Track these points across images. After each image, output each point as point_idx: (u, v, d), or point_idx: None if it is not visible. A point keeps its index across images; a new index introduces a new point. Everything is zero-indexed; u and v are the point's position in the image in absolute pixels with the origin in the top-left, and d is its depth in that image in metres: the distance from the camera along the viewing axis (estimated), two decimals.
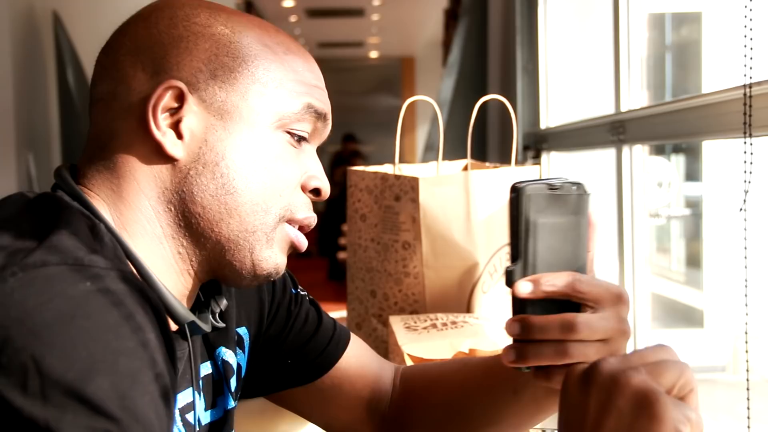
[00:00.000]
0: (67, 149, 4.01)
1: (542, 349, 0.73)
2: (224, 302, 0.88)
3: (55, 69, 4.00)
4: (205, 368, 0.88)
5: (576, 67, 2.67)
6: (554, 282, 0.73)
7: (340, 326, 1.04)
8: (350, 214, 1.62)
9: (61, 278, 0.63)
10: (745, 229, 1.25)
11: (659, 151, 3.66)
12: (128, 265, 0.72)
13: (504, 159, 2.19)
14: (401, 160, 1.61)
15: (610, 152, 2.14)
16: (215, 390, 0.89)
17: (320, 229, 7.52)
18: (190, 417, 0.82)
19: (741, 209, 1.23)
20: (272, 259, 0.82)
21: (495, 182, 1.58)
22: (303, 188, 0.84)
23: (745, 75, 1.22)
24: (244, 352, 0.95)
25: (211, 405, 0.88)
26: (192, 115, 0.78)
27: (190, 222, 0.79)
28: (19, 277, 0.63)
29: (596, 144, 2.27)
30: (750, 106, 1.22)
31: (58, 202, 0.74)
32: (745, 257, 1.25)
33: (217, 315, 0.87)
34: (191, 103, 0.77)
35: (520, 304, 0.73)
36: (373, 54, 12.39)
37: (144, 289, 0.67)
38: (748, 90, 1.22)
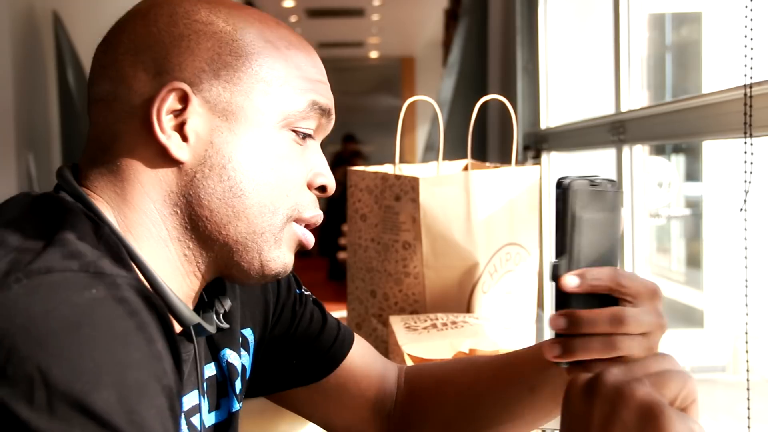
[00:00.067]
0: (68, 149, 4.01)
1: (590, 343, 0.73)
2: (228, 303, 0.87)
3: (55, 69, 4.00)
4: (209, 369, 0.87)
5: (576, 67, 2.67)
6: (599, 276, 0.73)
7: (344, 326, 1.04)
8: (350, 214, 1.62)
9: (66, 285, 0.62)
10: (745, 229, 1.25)
11: (659, 151, 3.66)
12: (134, 270, 0.71)
13: (504, 159, 2.19)
14: (401, 160, 1.61)
15: (610, 152, 2.13)
16: (219, 391, 0.88)
17: (320, 229, 7.50)
18: (195, 420, 0.81)
19: (741, 209, 1.23)
20: (280, 259, 0.81)
21: (495, 182, 1.58)
22: (309, 186, 0.83)
23: (745, 75, 1.22)
24: (248, 353, 0.94)
25: (215, 407, 0.87)
26: (196, 117, 0.76)
27: (196, 225, 0.78)
28: (24, 283, 0.62)
29: (596, 144, 2.27)
30: (750, 106, 1.22)
31: (62, 205, 0.73)
32: (746, 257, 1.25)
33: (221, 315, 0.86)
34: (195, 105, 0.76)
35: (564, 299, 0.74)
36: (374, 54, 12.39)
37: (149, 294, 0.66)
38: (748, 90, 1.22)
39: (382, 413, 1.04)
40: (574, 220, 0.73)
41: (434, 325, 1.37)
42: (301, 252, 0.85)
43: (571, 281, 0.73)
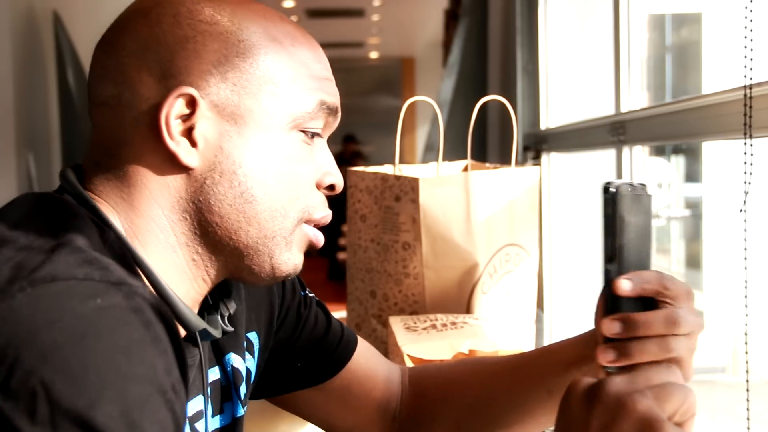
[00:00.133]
0: (68, 149, 4.01)
1: (646, 346, 0.73)
2: (233, 306, 0.86)
3: (56, 69, 4.00)
4: (213, 373, 0.86)
5: (576, 67, 2.67)
6: (648, 279, 0.74)
7: (347, 328, 1.04)
8: (350, 214, 1.62)
9: (71, 295, 0.61)
10: (745, 230, 1.25)
11: (659, 152, 3.66)
12: (139, 276, 0.70)
13: (504, 159, 2.19)
14: (401, 161, 1.61)
15: (610, 153, 2.13)
16: (223, 396, 0.88)
17: (320, 229, 7.50)
18: (199, 425, 0.81)
19: (741, 210, 1.23)
20: (291, 260, 0.81)
21: (495, 183, 1.58)
22: (318, 185, 0.82)
23: (745, 76, 1.22)
24: (253, 357, 0.94)
25: (218, 411, 0.87)
26: (204, 121, 0.75)
27: (206, 230, 0.77)
28: (28, 292, 0.61)
29: (596, 145, 2.27)
30: (750, 107, 1.22)
31: (67, 208, 0.72)
32: (745, 258, 1.25)
33: (225, 318, 0.85)
34: (203, 109, 0.75)
35: (615, 303, 0.74)
36: (374, 54, 12.39)
37: (154, 301, 0.65)
38: (748, 91, 1.22)
39: (387, 414, 1.04)
40: (623, 224, 0.74)
41: (434, 326, 1.37)
42: (318, 248, 0.85)
43: (625, 285, 0.73)
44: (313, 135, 0.81)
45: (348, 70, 11.75)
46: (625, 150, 2.02)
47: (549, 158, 2.72)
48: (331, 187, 0.83)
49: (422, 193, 1.50)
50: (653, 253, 0.77)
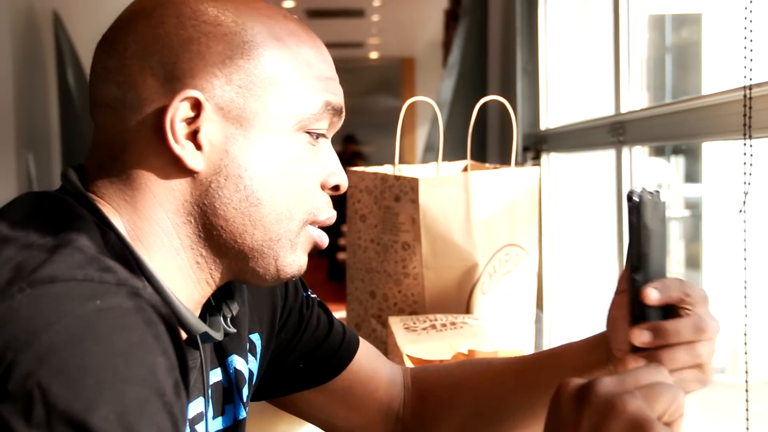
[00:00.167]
0: (67, 149, 4.01)
1: (676, 354, 0.74)
2: (236, 307, 0.86)
3: (55, 69, 4.00)
4: (215, 375, 0.86)
5: (576, 68, 2.67)
6: (673, 287, 0.75)
7: (348, 329, 1.04)
8: (350, 214, 1.62)
9: (70, 296, 0.61)
10: (744, 231, 1.25)
11: (659, 152, 3.66)
12: (140, 278, 0.69)
13: (504, 160, 2.19)
14: (401, 161, 1.61)
15: (609, 153, 2.13)
16: (224, 398, 0.87)
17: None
18: (200, 427, 0.80)
19: (740, 211, 1.23)
20: (296, 262, 0.81)
21: (495, 183, 1.58)
22: (322, 186, 0.82)
23: (745, 76, 1.22)
24: (256, 358, 0.93)
25: (219, 413, 0.86)
26: (210, 124, 0.74)
27: (211, 234, 0.76)
28: (27, 293, 0.60)
29: (596, 145, 2.27)
30: (750, 107, 1.22)
31: (69, 209, 0.72)
32: (745, 259, 1.25)
33: (228, 320, 0.85)
34: (209, 112, 0.74)
35: (641, 311, 0.75)
36: (374, 55, 12.39)
37: (155, 302, 0.65)
38: (748, 91, 1.22)
39: (390, 415, 1.04)
40: (647, 232, 0.74)
41: (433, 326, 1.37)
42: (322, 249, 0.85)
43: (653, 294, 0.74)
44: (318, 136, 0.80)
45: (348, 71, 11.72)
46: (625, 150, 2.02)
47: (549, 158, 2.72)
48: (336, 188, 0.83)
49: (422, 193, 1.50)
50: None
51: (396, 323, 1.40)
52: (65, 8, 4.08)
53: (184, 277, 0.77)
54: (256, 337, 0.94)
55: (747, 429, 1.27)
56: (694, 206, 3.90)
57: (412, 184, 1.51)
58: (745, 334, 1.26)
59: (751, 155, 1.21)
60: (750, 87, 1.22)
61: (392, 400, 1.05)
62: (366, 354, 1.04)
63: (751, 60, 1.21)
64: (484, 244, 1.56)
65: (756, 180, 1.21)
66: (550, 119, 2.75)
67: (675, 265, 4.27)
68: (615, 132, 2.01)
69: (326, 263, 7.83)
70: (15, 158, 3.44)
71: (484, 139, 3.14)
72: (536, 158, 2.75)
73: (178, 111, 0.73)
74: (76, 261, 0.64)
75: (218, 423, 0.86)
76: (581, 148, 2.51)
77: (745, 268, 1.25)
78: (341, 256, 6.15)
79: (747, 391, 1.25)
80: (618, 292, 0.86)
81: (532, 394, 0.98)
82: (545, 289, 2.64)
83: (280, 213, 0.77)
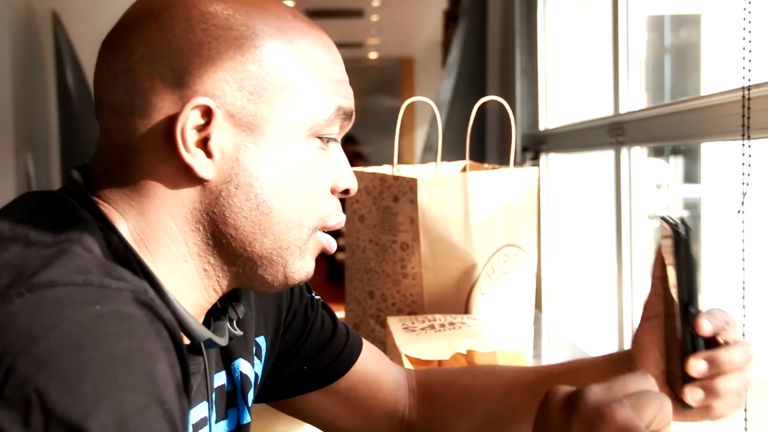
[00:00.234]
0: (66, 149, 4.01)
1: (730, 382, 0.75)
2: (242, 309, 0.85)
3: (54, 69, 4.00)
4: (219, 378, 0.85)
5: (575, 68, 2.67)
6: (718, 317, 0.76)
7: (352, 330, 1.03)
8: (349, 215, 1.62)
9: (70, 301, 0.60)
10: (743, 231, 1.25)
11: (658, 152, 3.66)
12: (143, 282, 0.66)
13: (502, 160, 2.19)
14: (400, 161, 1.61)
15: (608, 154, 2.14)
16: (228, 401, 0.86)
17: None
18: None
19: (739, 211, 1.23)
20: (304, 269, 0.80)
21: (493, 183, 1.58)
22: (332, 190, 0.81)
23: (743, 77, 1.22)
24: (261, 361, 0.93)
25: (222, 416, 0.85)
26: (220, 131, 0.73)
27: (220, 242, 0.75)
28: (26, 297, 0.59)
29: (595, 146, 2.27)
30: (748, 108, 1.22)
31: (72, 211, 0.71)
32: (743, 259, 1.25)
33: (234, 323, 0.84)
34: (219, 119, 0.73)
35: (693, 342, 0.76)
36: (373, 55, 12.39)
37: (158, 309, 0.63)
38: (746, 92, 1.22)
39: (394, 417, 1.04)
40: (695, 264, 0.75)
41: (432, 326, 1.37)
42: (330, 254, 0.84)
43: (707, 326, 0.75)
44: (329, 140, 0.79)
45: (347, 71, 11.72)
46: (624, 151, 2.02)
47: (547, 159, 2.72)
48: (346, 191, 0.82)
49: (421, 193, 1.50)
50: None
51: (394, 323, 1.40)
52: (64, 8, 4.08)
53: (191, 284, 0.76)
54: (261, 340, 0.93)
55: (745, 429, 1.27)
56: (693, 207, 3.90)
57: (411, 185, 1.51)
58: (744, 335, 1.26)
59: (750, 156, 1.21)
60: (748, 88, 1.22)
61: (397, 401, 1.04)
62: (370, 355, 1.03)
63: (750, 61, 1.21)
64: (482, 245, 1.56)
65: (754, 180, 1.21)
66: (548, 120, 2.75)
67: None
68: (614, 132, 2.01)
69: (325, 263, 7.83)
70: (14, 158, 3.44)
71: (483, 140, 3.14)
72: (535, 159, 2.75)
73: (189, 119, 0.72)
74: (77, 265, 0.63)
75: (221, 427, 0.85)
76: (580, 148, 2.51)
77: (743, 269, 1.25)
78: (340, 256, 6.16)
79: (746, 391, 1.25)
80: (646, 318, 0.86)
81: None
82: (544, 289, 2.64)
83: (290, 221, 0.76)
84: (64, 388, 0.56)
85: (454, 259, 1.53)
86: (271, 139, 0.74)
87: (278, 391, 1.00)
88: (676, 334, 0.77)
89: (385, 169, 1.63)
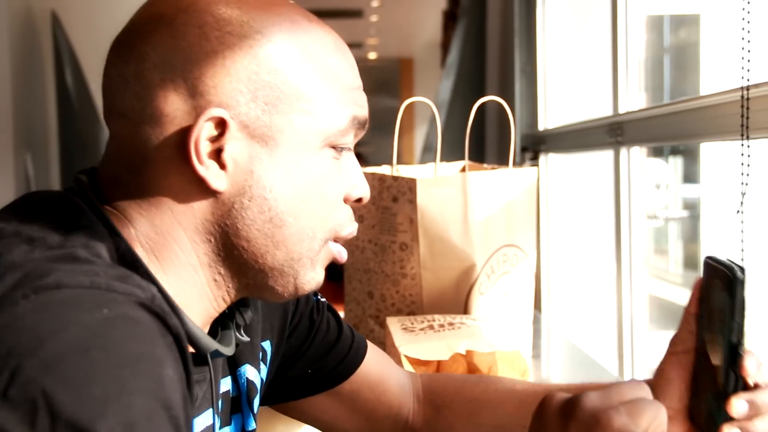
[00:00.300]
0: (65, 150, 4.01)
1: (765, 423, 0.76)
2: (249, 315, 0.84)
3: (54, 69, 4.00)
4: (224, 384, 0.84)
5: (574, 68, 2.67)
6: (756, 358, 0.76)
7: (357, 333, 1.02)
8: None
9: (76, 303, 0.59)
10: (742, 231, 1.25)
11: (657, 152, 3.66)
12: (150, 286, 0.65)
13: (502, 160, 2.19)
14: (399, 161, 1.61)
15: (607, 154, 2.14)
16: (232, 407, 0.86)
17: None
18: None
19: (738, 211, 1.23)
20: (315, 279, 0.79)
21: (493, 184, 1.58)
22: (346, 199, 0.79)
23: (742, 77, 1.22)
24: (266, 365, 0.92)
25: (226, 422, 0.85)
26: (234, 142, 0.71)
27: (231, 253, 0.74)
28: (32, 299, 0.58)
29: (594, 146, 2.27)
30: (747, 108, 1.22)
31: (78, 213, 0.70)
32: (742, 259, 1.25)
33: (242, 328, 0.83)
34: (233, 130, 0.71)
35: (736, 381, 0.76)
36: (372, 55, 12.39)
37: (164, 314, 0.62)
38: (745, 92, 1.22)
39: (398, 421, 1.03)
40: (745, 306, 0.75)
41: (431, 327, 1.37)
42: (341, 264, 0.83)
43: (752, 368, 0.75)
44: (342, 149, 0.78)
45: None
46: (623, 151, 2.02)
47: (547, 159, 2.72)
48: (359, 200, 0.81)
49: (420, 193, 1.50)
50: None
51: (394, 324, 1.40)
52: (63, 9, 4.08)
53: (201, 294, 0.75)
54: (267, 345, 0.92)
55: None
56: (692, 207, 3.90)
57: (410, 185, 1.51)
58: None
59: (749, 156, 1.21)
60: (747, 88, 1.22)
61: (401, 405, 1.03)
62: (374, 359, 1.03)
63: (749, 61, 1.21)
64: (481, 245, 1.56)
65: (753, 180, 1.21)
66: (548, 120, 2.75)
67: (673, 266, 4.27)
68: (613, 132, 2.01)
69: None
70: (13, 158, 3.44)
71: (482, 140, 3.14)
72: (534, 159, 2.75)
73: (203, 131, 0.70)
74: (83, 268, 0.62)
75: None
76: (579, 148, 2.51)
77: None
78: None
79: None
80: (674, 352, 0.85)
81: None
82: (543, 289, 2.64)
83: (303, 233, 0.75)
84: (71, 390, 0.55)
85: (453, 259, 1.53)
86: (285, 151, 0.73)
87: (281, 394, 0.99)
88: (712, 372, 0.78)
89: (384, 170, 1.63)
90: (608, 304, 2.15)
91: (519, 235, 1.62)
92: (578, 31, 2.67)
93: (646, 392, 0.66)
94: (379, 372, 1.02)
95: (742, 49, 1.21)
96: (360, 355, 1.01)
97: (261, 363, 0.90)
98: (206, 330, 0.79)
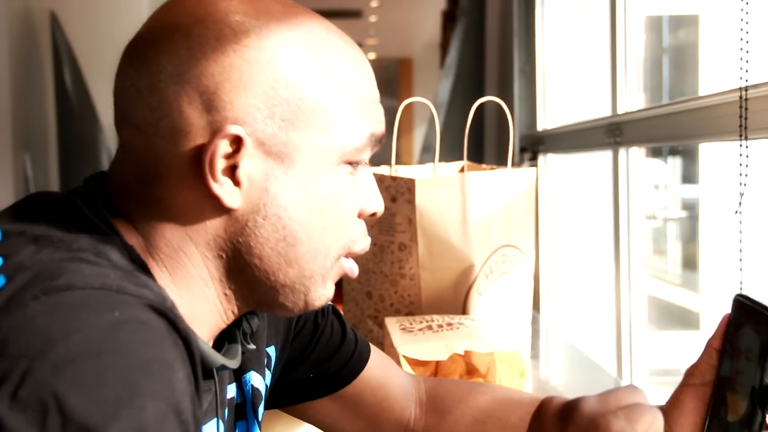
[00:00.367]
0: (64, 150, 4.00)
1: None
2: (256, 322, 0.84)
3: (52, 70, 4.00)
4: (229, 391, 0.84)
5: (573, 69, 2.67)
6: None
7: (360, 336, 1.02)
8: None
9: (87, 305, 0.58)
10: (740, 232, 1.25)
11: (656, 153, 3.66)
12: (160, 291, 0.64)
13: (500, 161, 2.19)
14: (398, 162, 1.61)
15: (606, 154, 2.14)
16: (237, 414, 0.85)
17: None
18: None
19: (736, 212, 1.23)
20: (325, 295, 0.78)
21: (491, 184, 1.58)
22: (360, 214, 0.78)
23: (740, 78, 1.22)
24: (270, 371, 0.91)
25: (230, 430, 0.84)
26: (249, 159, 0.70)
27: (243, 270, 0.73)
28: (42, 300, 0.57)
29: (593, 146, 2.27)
30: (746, 108, 1.22)
31: (87, 217, 0.69)
32: (741, 260, 1.25)
33: (248, 336, 0.82)
34: (249, 147, 0.69)
35: (762, 425, 0.76)
36: (371, 56, 12.39)
37: (174, 318, 0.62)
38: (743, 93, 1.22)
39: (400, 425, 1.03)
40: None
41: (430, 327, 1.37)
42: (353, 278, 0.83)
43: None
44: (358, 164, 0.77)
45: None
46: (622, 151, 2.03)
47: (545, 159, 2.72)
48: (374, 214, 0.80)
49: (418, 194, 1.50)
50: None
51: (392, 324, 1.40)
52: (62, 9, 4.08)
53: (211, 307, 0.74)
54: (272, 350, 0.92)
55: None
56: (690, 207, 3.90)
57: (409, 185, 1.51)
58: None
59: (747, 156, 1.21)
60: (746, 88, 1.22)
61: (403, 410, 1.03)
62: (377, 362, 1.02)
63: (747, 61, 1.21)
64: (480, 245, 1.56)
65: (752, 181, 1.21)
66: (546, 120, 2.75)
67: (671, 266, 4.27)
68: (612, 133, 2.01)
69: None
70: (11, 159, 3.44)
71: (481, 140, 3.14)
72: (533, 159, 2.75)
73: (218, 148, 0.68)
74: (93, 269, 0.61)
75: None
76: (578, 149, 2.51)
77: (741, 269, 1.25)
78: None
79: None
80: (692, 384, 0.85)
81: None
82: (542, 290, 2.64)
83: (316, 251, 0.74)
84: (83, 393, 0.54)
85: (451, 259, 1.53)
86: (301, 169, 0.72)
87: (283, 398, 0.99)
88: (731, 409, 0.78)
89: (383, 170, 1.63)
90: (607, 305, 2.15)
91: (518, 236, 1.62)
92: (577, 32, 2.68)
93: (643, 398, 0.67)
94: (382, 376, 1.02)
95: (741, 49, 1.21)
96: (363, 360, 1.00)
97: (266, 369, 0.89)
98: (213, 339, 0.78)
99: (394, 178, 1.54)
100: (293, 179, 0.71)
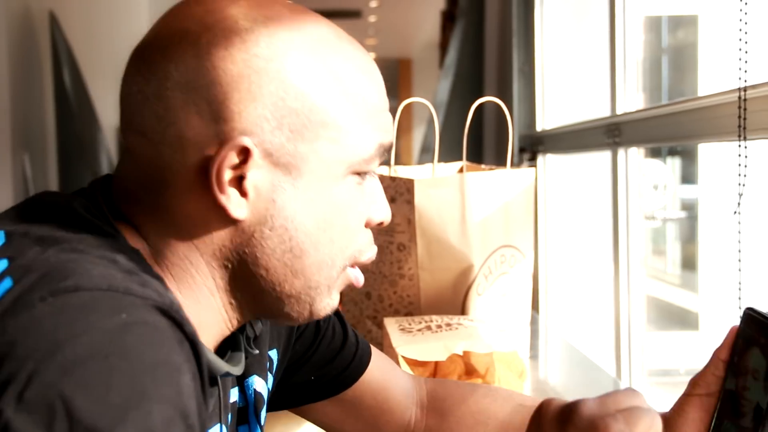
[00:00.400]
0: (63, 150, 4.00)
1: None
2: (259, 326, 0.83)
3: (52, 70, 4.00)
4: (232, 394, 0.83)
5: (572, 69, 2.67)
6: None
7: (362, 339, 1.01)
8: None
9: (95, 307, 0.58)
10: (739, 232, 1.25)
11: (655, 153, 3.66)
12: (167, 293, 0.64)
13: (500, 161, 2.19)
14: (397, 162, 1.61)
15: (605, 155, 2.14)
16: (239, 418, 0.85)
17: None
18: None
19: (735, 212, 1.23)
20: (330, 305, 0.78)
21: (490, 184, 1.58)
22: (367, 223, 0.78)
23: (739, 78, 1.22)
24: (272, 374, 0.91)
25: None
26: (256, 170, 0.69)
27: (249, 280, 0.73)
28: (49, 302, 0.57)
29: (592, 146, 2.27)
30: (744, 109, 1.22)
31: (92, 219, 0.69)
32: (740, 260, 1.25)
33: (251, 341, 0.82)
34: (256, 158, 0.68)
35: None
36: (371, 56, 12.39)
37: (181, 320, 0.61)
38: (742, 93, 1.22)
39: (401, 427, 1.03)
40: None
41: (429, 327, 1.37)
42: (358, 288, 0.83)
43: None
44: (366, 174, 0.76)
45: None
46: (621, 152, 2.03)
47: (545, 160, 2.72)
48: (381, 223, 0.80)
49: (417, 194, 1.50)
50: None
51: (391, 324, 1.40)
52: (61, 9, 4.08)
53: (215, 316, 0.74)
54: (274, 353, 0.91)
55: None
56: (690, 207, 3.91)
57: (408, 185, 1.51)
58: None
59: (746, 156, 1.21)
60: (745, 89, 1.22)
61: (404, 412, 1.03)
62: (378, 365, 1.02)
63: (746, 62, 1.21)
64: (479, 246, 1.56)
65: (751, 181, 1.21)
66: (546, 120, 2.75)
67: (671, 267, 4.28)
68: (611, 133, 2.01)
69: None
70: (10, 159, 3.44)
71: (480, 140, 3.14)
72: (532, 159, 2.75)
73: (226, 159, 0.68)
74: (101, 270, 0.61)
75: None
76: (577, 149, 2.51)
77: (740, 269, 1.25)
78: None
79: None
80: (696, 394, 0.84)
81: None
82: (541, 290, 2.64)
83: (322, 262, 0.74)
84: (91, 396, 0.53)
85: (450, 260, 1.53)
86: (308, 180, 0.71)
87: (284, 400, 0.98)
88: (735, 421, 0.78)
89: (382, 170, 1.63)
90: (606, 305, 2.15)
91: (517, 236, 1.62)
92: (576, 32, 2.68)
93: (642, 401, 0.67)
94: (383, 379, 1.02)
95: (740, 50, 1.21)
96: (364, 363, 1.00)
97: (268, 373, 0.89)
98: (217, 346, 0.78)
99: (393, 179, 1.54)
100: (301, 190, 0.71)
